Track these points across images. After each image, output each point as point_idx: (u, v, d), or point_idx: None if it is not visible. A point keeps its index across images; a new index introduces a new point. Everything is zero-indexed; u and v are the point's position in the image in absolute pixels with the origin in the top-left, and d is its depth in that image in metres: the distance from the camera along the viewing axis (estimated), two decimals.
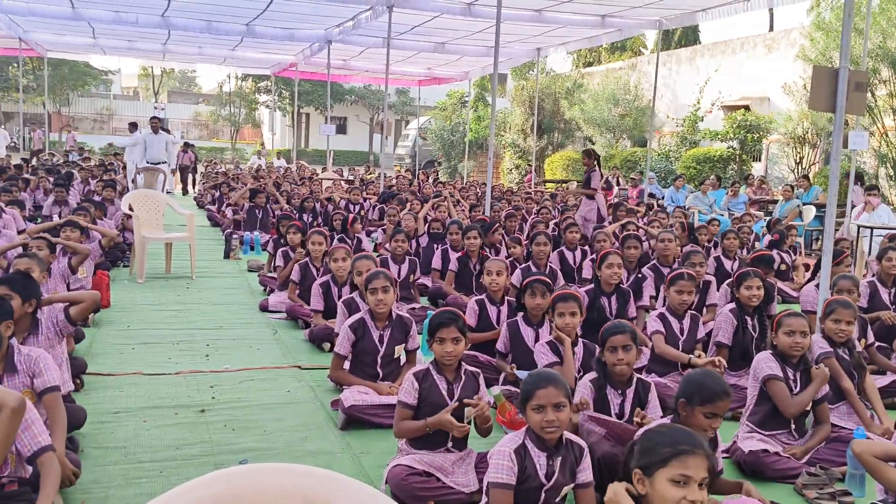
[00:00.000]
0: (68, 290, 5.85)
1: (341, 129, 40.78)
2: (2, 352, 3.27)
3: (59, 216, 8.95)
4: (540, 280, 4.94)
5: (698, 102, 20.07)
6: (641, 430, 2.83)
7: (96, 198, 10.24)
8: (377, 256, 7.11)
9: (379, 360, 4.59)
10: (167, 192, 13.56)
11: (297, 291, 6.92)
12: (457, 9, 12.58)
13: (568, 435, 3.03)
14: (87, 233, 7.02)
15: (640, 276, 6.86)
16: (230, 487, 1.52)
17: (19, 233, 7.46)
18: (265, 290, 7.99)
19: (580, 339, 4.48)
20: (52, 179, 11.99)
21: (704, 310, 6.41)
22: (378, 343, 4.57)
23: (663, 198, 15.76)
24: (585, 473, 3.01)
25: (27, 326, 3.87)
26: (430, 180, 19.14)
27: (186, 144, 21.23)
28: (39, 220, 9.76)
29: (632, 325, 3.92)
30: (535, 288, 4.88)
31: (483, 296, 5.60)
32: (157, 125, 14.37)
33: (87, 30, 17.42)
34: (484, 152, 25.14)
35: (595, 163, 11.01)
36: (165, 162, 14.10)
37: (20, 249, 5.77)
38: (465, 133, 24.39)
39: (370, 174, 22.27)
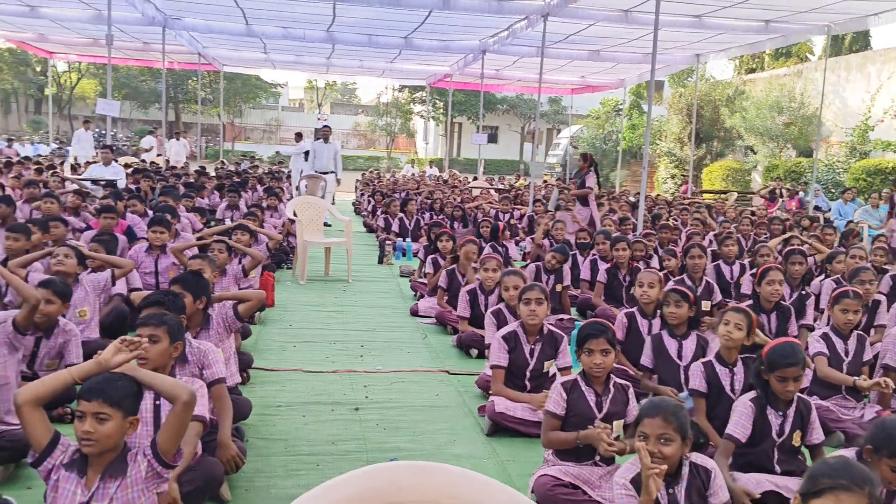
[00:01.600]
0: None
1: (493, 139, 41.15)
2: (182, 349, 3.55)
3: (231, 220, 9.63)
4: (676, 290, 4.76)
5: (869, 111, 18.66)
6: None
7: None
8: (525, 266, 7.11)
9: (528, 374, 4.58)
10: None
11: (446, 298, 7.07)
12: (613, 16, 12.39)
13: (695, 458, 2.96)
14: (256, 236, 7.51)
15: (803, 293, 6.46)
16: (388, 482, 1.59)
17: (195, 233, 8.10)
18: (416, 294, 8.21)
19: (738, 357, 4.27)
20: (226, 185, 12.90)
21: (872, 330, 5.93)
22: (528, 357, 4.57)
23: (829, 210, 14.74)
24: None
25: (199, 322, 4.17)
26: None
27: None
28: (213, 223, 10.53)
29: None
30: (670, 297, 4.73)
31: (634, 308, 5.47)
32: (327, 134, 14.41)
33: (259, 45, 18.63)
34: (638, 161, 24.54)
35: (590, 166, 11.16)
36: (333, 172, 14.06)
37: (195, 250, 6.24)
38: (619, 142, 23.91)
39: (520, 183, 22.32)
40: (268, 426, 4.38)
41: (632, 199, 15.60)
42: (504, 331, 4.63)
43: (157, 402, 3.11)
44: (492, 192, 17.35)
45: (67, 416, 4.06)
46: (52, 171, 13.80)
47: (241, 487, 3.58)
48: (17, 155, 20.23)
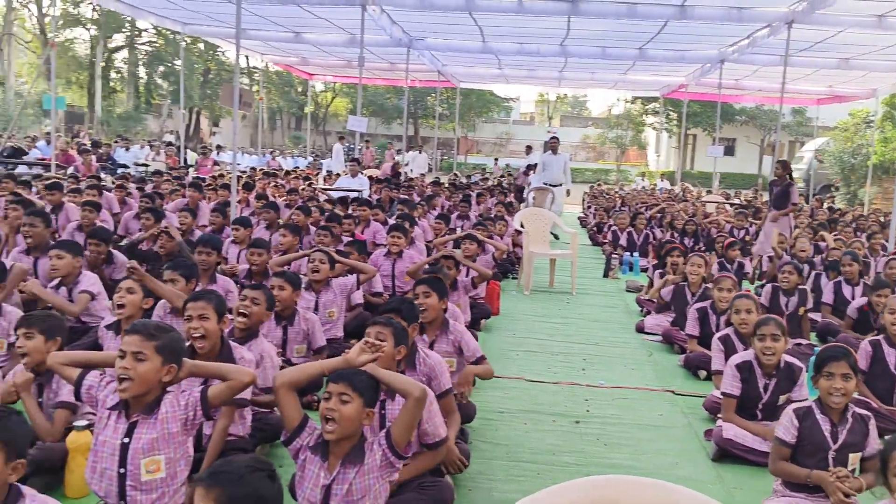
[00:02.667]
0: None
1: (729, 151, 38.98)
2: (406, 353, 3.74)
3: (461, 229, 10.02)
4: None
5: None
6: None
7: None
8: (761, 285, 6.66)
9: (760, 405, 4.31)
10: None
11: (673, 317, 6.84)
12: (866, 22, 11.27)
13: None
14: (484, 246, 7.76)
15: None
16: (610, 494, 1.60)
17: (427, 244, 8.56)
18: (642, 311, 8.02)
19: None
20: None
21: None
22: (762, 390, 4.28)
23: None
24: None
25: (437, 327, 4.42)
26: (825, 207, 17.35)
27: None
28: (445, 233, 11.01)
29: None
30: None
31: (880, 336, 4.95)
32: (556, 146, 14.28)
33: (494, 61, 19.20)
34: (890, 178, 22.04)
35: (788, 175, 9.96)
36: (562, 184, 13.94)
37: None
38: (869, 156, 21.61)
39: (756, 198, 20.92)
40: (491, 431, 4.52)
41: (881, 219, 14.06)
42: (738, 359, 4.35)
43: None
44: (727, 206, 16.46)
45: (314, 403, 4.48)
46: (307, 182, 15.24)
47: (465, 487, 3.74)
48: (280, 167, 22.54)
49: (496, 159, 33.66)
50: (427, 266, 6.11)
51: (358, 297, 6.15)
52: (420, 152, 24.04)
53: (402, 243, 7.17)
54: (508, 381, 5.51)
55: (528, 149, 20.67)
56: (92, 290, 5.27)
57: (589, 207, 18.58)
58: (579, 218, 18.18)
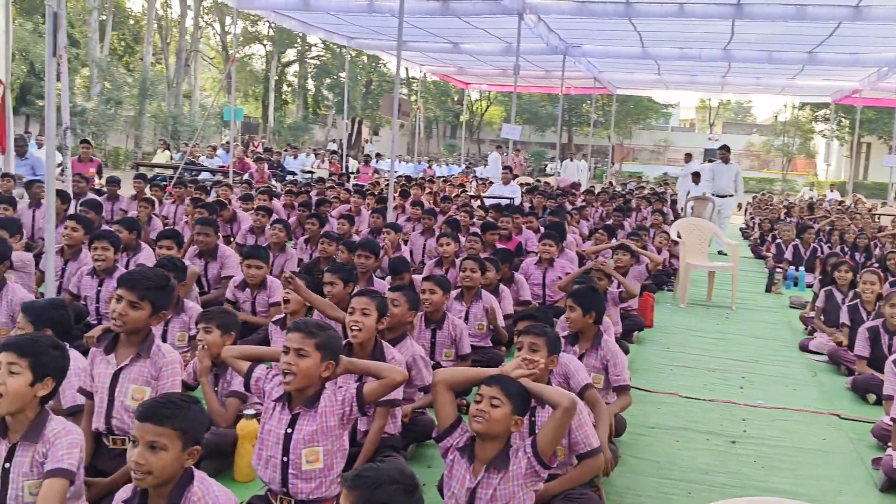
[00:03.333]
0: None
1: None
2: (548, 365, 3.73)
3: (616, 238, 9.85)
4: None
5: None
6: None
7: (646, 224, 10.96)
8: None
9: None
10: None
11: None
12: None
13: None
14: (637, 256, 7.60)
15: None
16: None
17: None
18: (806, 329, 7.54)
19: None
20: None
21: None
22: None
23: None
24: None
25: (588, 340, 4.36)
26: None
27: None
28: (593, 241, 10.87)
29: None
30: None
31: None
32: (727, 155, 13.37)
33: (653, 67, 18.73)
34: None
35: None
36: (732, 195, 13.12)
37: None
38: None
39: None
40: (640, 446, 4.41)
41: None
42: None
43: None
44: None
45: (464, 406, 4.56)
46: (461, 189, 15.52)
47: (612, 502, 3.68)
48: (435, 174, 23.10)
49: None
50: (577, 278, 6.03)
51: (508, 306, 6.10)
52: (573, 160, 23.79)
53: (554, 251, 7.14)
54: (661, 396, 5.36)
55: (688, 157, 19.94)
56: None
57: (752, 218, 17.67)
58: (741, 229, 17.31)
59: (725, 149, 13.40)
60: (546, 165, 36.92)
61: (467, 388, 3.07)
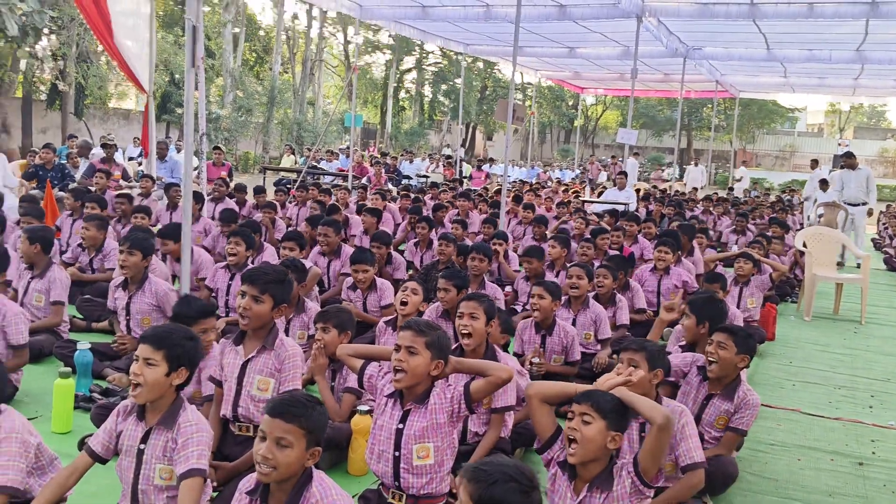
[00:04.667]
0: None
1: None
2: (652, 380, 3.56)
3: (737, 245, 9.53)
4: None
5: None
6: None
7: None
8: None
9: None
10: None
11: None
12: None
13: None
14: (760, 266, 7.30)
15: None
16: None
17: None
18: None
19: None
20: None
21: None
22: None
23: None
24: None
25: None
26: None
27: None
28: (719, 249, 10.53)
29: None
30: None
31: None
32: (853, 163, 12.49)
33: (779, 69, 17.92)
34: None
35: None
36: (865, 203, 12.28)
37: None
38: None
39: None
40: (760, 463, 4.25)
41: None
42: None
43: None
44: None
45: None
46: (574, 195, 15.37)
47: None
48: (549, 179, 22.97)
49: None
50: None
51: (625, 316, 5.95)
52: (696, 165, 23.09)
53: (670, 259, 6.97)
54: (782, 413, 5.13)
55: (814, 162, 18.95)
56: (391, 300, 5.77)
57: (885, 228, 16.57)
58: (873, 240, 16.27)
59: (849, 156, 12.51)
60: (663, 170, 35.94)
61: (562, 401, 3.01)
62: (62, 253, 7.10)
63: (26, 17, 17.37)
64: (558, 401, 3.00)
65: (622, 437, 2.79)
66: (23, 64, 22.91)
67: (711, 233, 11.15)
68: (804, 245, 8.89)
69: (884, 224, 17.42)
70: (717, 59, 16.97)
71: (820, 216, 12.68)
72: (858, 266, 11.15)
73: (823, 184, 14.68)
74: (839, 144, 30.22)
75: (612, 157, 26.51)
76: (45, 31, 20.18)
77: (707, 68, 18.33)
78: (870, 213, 12.46)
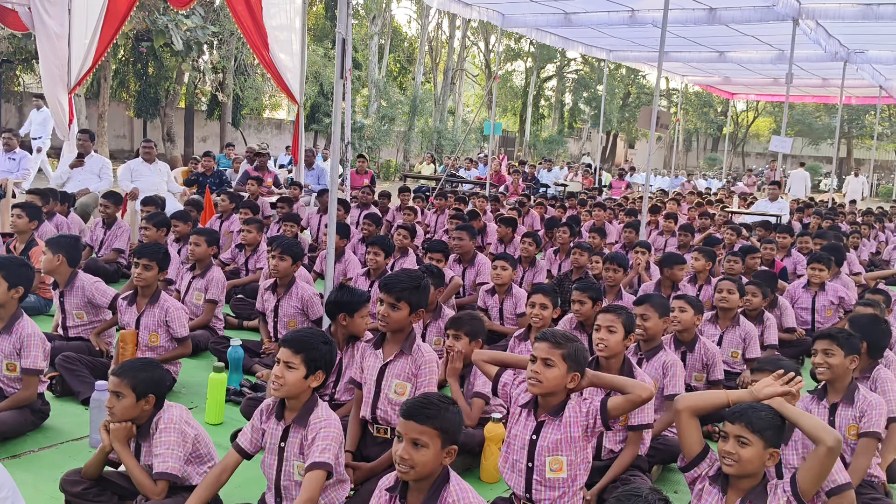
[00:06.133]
0: None
1: None
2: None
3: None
4: None
5: None
6: None
7: None
8: None
9: None
10: None
11: None
12: None
13: None
14: None
15: None
16: None
17: None
18: None
19: None
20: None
21: None
22: None
23: None
24: None
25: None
26: None
27: None
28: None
29: None
30: None
31: None
32: None
33: None
34: None
35: None
36: None
37: None
38: None
39: None
40: None
41: None
42: None
43: None
44: None
45: (715, 434, 4.33)
46: (721, 206, 14.74)
47: None
48: (695, 188, 22.18)
49: None
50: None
51: (773, 336, 5.62)
52: (857, 175, 21.57)
53: (825, 276, 6.54)
54: None
55: None
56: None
57: None
58: None
59: None
60: (819, 181, 33.78)
61: (717, 412, 2.89)
62: (218, 253, 7.58)
63: (190, 32, 18.68)
64: (710, 412, 2.91)
65: (779, 454, 2.70)
66: (186, 77, 24.62)
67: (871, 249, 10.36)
68: None
69: None
70: (881, 62, 15.79)
71: None
72: None
73: None
74: None
75: (772, 160, 25.18)
76: (207, 45, 21.65)
77: (870, 73, 17.09)
78: None
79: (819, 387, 3.65)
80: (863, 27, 12.39)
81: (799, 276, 7.60)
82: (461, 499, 2.46)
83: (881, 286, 6.78)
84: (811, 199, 17.48)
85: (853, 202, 18.33)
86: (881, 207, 17.29)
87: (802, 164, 19.97)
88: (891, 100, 21.78)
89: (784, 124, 13.10)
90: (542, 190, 17.78)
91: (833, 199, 17.82)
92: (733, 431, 2.65)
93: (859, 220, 13.20)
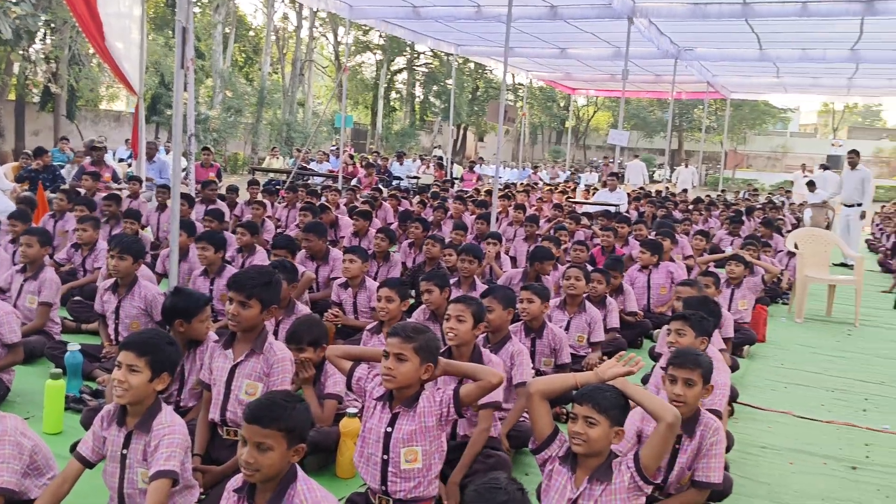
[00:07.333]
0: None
1: None
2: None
3: (731, 247, 9.54)
4: None
5: None
6: None
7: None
8: None
9: None
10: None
11: None
12: None
13: None
14: (752, 267, 7.28)
15: None
16: None
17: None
18: None
19: None
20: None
21: None
22: None
23: None
24: None
25: None
26: None
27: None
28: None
29: None
30: None
31: None
32: (856, 160, 12.33)
33: (772, 69, 17.97)
34: None
35: None
36: (859, 204, 12.11)
37: None
38: None
39: None
40: (751, 466, 4.21)
41: None
42: None
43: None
44: None
45: (563, 415, 4.49)
46: (566, 197, 15.36)
47: None
48: (540, 181, 22.96)
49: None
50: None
51: (614, 320, 5.92)
52: (686, 166, 23.15)
53: (650, 259, 7.06)
54: (773, 415, 5.10)
55: (803, 167, 19.07)
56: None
57: (880, 229, 16.62)
58: (867, 241, 16.32)
59: (854, 153, 12.38)
60: (654, 172, 36.00)
61: (566, 395, 2.99)
62: (53, 253, 7.06)
63: (20, 20, 17.33)
64: (560, 395, 3.00)
65: (624, 431, 2.82)
66: (16, 67, 22.91)
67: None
68: (795, 246, 8.88)
69: (878, 225, 17.48)
70: (708, 59, 17.00)
71: (811, 217, 12.70)
72: (843, 265, 11.18)
73: (811, 185, 14.74)
74: (832, 144, 30.31)
75: (605, 157, 26.53)
76: (39, 34, 20.16)
77: (698, 69, 18.35)
78: (863, 216, 12.37)
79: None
80: (691, 25, 13.28)
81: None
82: (308, 498, 2.45)
83: (711, 269, 7.30)
84: (641, 188, 18.58)
85: (685, 191, 19.63)
86: (709, 196, 18.63)
87: (637, 156, 21.17)
88: (717, 95, 23.46)
89: (621, 118, 13.82)
90: (395, 183, 17.82)
91: (667, 188, 18.99)
92: (581, 412, 2.74)
93: (690, 207, 14.16)
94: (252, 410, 2.45)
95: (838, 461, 4.36)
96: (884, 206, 20.98)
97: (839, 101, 43.11)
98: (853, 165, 12.17)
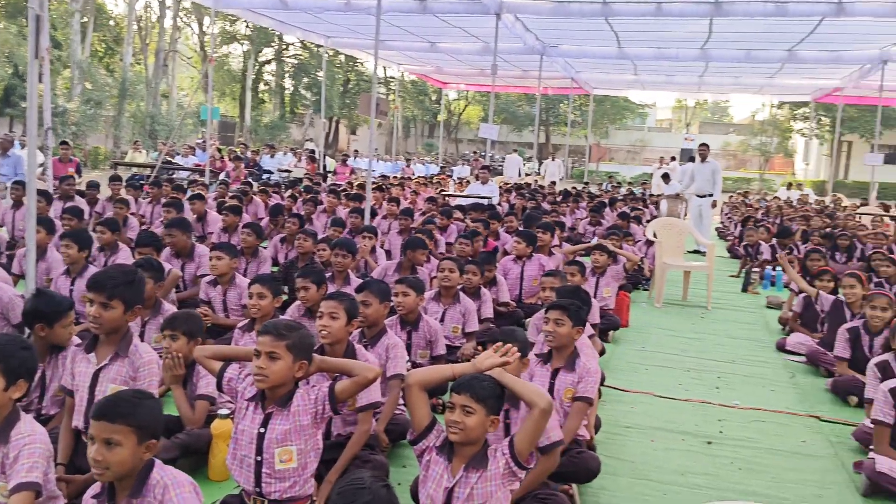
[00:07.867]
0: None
1: (891, 159, 36.14)
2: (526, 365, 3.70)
3: (595, 237, 9.93)
4: None
5: None
6: None
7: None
8: None
9: None
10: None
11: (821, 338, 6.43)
12: None
13: None
14: (614, 256, 7.62)
15: None
16: None
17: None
18: (784, 328, 7.60)
19: None
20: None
21: None
22: None
23: None
24: None
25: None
26: None
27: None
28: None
29: None
30: None
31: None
32: (706, 153, 12.92)
33: (630, 67, 18.84)
34: None
35: None
36: (710, 195, 12.75)
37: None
38: None
39: None
40: (616, 446, 4.41)
41: None
42: (893, 383, 4.04)
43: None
44: (887, 220, 15.26)
45: (440, 406, 4.54)
46: (438, 189, 15.50)
47: (590, 501, 3.68)
48: (414, 174, 23.06)
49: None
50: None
51: (488, 310, 6.03)
52: (553, 160, 23.91)
53: (525, 250, 7.27)
54: (636, 396, 5.37)
55: (662, 160, 20.14)
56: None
57: (729, 218, 17.82)
58: (717, 229, 17.46)
59: (704, 146, 13.17)
60: (525, 165, 36.99)
61: (442, 386, 3.03)
62: None
63: None
64: (437, 385, 3.02)
65: (500, 420, 2.87)
66: None
67: (567, 225, 11.56)
68: (654, 235, 9.37)
69: (727, 214, 18.72)
70: (571, 56, 17.58)
71: (666, 208, 13.43)
72: (697, 252, 11.90)
73: (665, 178, 15.60)
74: (685, 139, 32.15)
75: (475, 152, 26.98)
76: None
77: (562, 65, 18.93)
78: (714, 205, 13.20)
79: (546, 352, 3.94)
80: (555, 23, 13.69)
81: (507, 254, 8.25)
82: (164, 476, 2.43)
83: (578, 258, 7.58)
84: (516, 183, 19.05)
85: (552, 184, 20.29)
86: (575, 188, 19.32)
87: (516, 150, 21.70)
88: (581, 90, 24.33)
89: (491, 113, 14.11)
90: (265, 177, 17.38)
91: (536, 181, 19.55)
92: (459, 401, 2.78)
93: (558, 199, 14.64)
94: (99, 407, 2.40)
95: (695, 437, 4.64)
96: (731, 197, 22.50)
97: (691, 98, 45.80)
98: (703, 158, 12.92)
